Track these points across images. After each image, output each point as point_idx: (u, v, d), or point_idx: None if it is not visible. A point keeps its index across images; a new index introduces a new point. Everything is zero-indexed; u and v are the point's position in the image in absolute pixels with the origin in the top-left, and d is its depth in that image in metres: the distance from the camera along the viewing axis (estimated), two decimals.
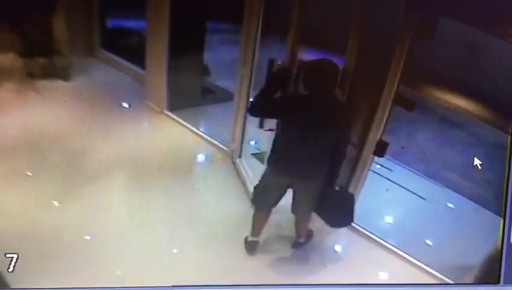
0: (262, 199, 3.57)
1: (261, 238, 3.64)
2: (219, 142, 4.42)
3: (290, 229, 3.70)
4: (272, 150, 3.35)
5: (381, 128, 3.52)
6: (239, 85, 4.05)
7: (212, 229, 3.75)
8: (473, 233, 3.92)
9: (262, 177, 3.53)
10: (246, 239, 3.60)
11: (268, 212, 3.60)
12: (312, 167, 3.29)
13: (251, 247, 3.58)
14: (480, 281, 3.09)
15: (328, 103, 3.16)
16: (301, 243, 3.68)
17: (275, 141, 3.33)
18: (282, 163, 3.33)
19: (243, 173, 4.08)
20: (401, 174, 4.63)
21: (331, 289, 3.05)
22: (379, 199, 4.22)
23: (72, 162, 4.26)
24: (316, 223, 3.83)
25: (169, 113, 5.25)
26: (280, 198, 3.49)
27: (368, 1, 3.29)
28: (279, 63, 3.58)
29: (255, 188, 3.59)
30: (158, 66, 5.18)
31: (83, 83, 5.86)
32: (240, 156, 4.52)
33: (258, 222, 3.63)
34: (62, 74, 5.66)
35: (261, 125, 3.80)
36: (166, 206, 3.85)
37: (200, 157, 4.76)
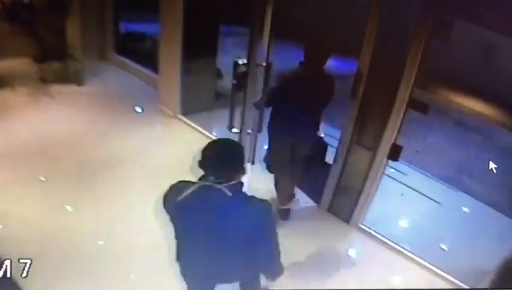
0: (275, 164, 3.79)
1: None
2: None
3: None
4: (271, 118, 3.64)
5: (396, 131, 3.48)
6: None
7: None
8: (488, 237, 3.88)
9: (269, 145, 3.78)
10: (277, 208, 3.91)
11: (287, 180, 3.86)
12: (308, 128, 3.61)
13: (282, 215, 3.93)
14: (495, 286, 3.04)
15: (316, 75, 3.45)
16: (287, 210, 3.91)
17: (273, 110, 3.63)
18: (283, 127, 3.58)
19: None
20: (416, 178, 4.61)
21: None
22: (393, 203, 4.20)
23: (85, 166, 4.27)
24: (329, 228, 3.84)
25: (183, 118, 5.30)
26: (289, 161, 3.68)
27: (381, 4, 3.26)
28: (240, 62, 3.72)
29: (265, 158, 3.85)
30: (171, 70, 5.19)
31: (96, 88, 5.90)
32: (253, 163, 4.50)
33: (282, 191, 3.89)
34: (75, 78, 5.71)
35: (230, 128, 3.93)
36: None
37: None
